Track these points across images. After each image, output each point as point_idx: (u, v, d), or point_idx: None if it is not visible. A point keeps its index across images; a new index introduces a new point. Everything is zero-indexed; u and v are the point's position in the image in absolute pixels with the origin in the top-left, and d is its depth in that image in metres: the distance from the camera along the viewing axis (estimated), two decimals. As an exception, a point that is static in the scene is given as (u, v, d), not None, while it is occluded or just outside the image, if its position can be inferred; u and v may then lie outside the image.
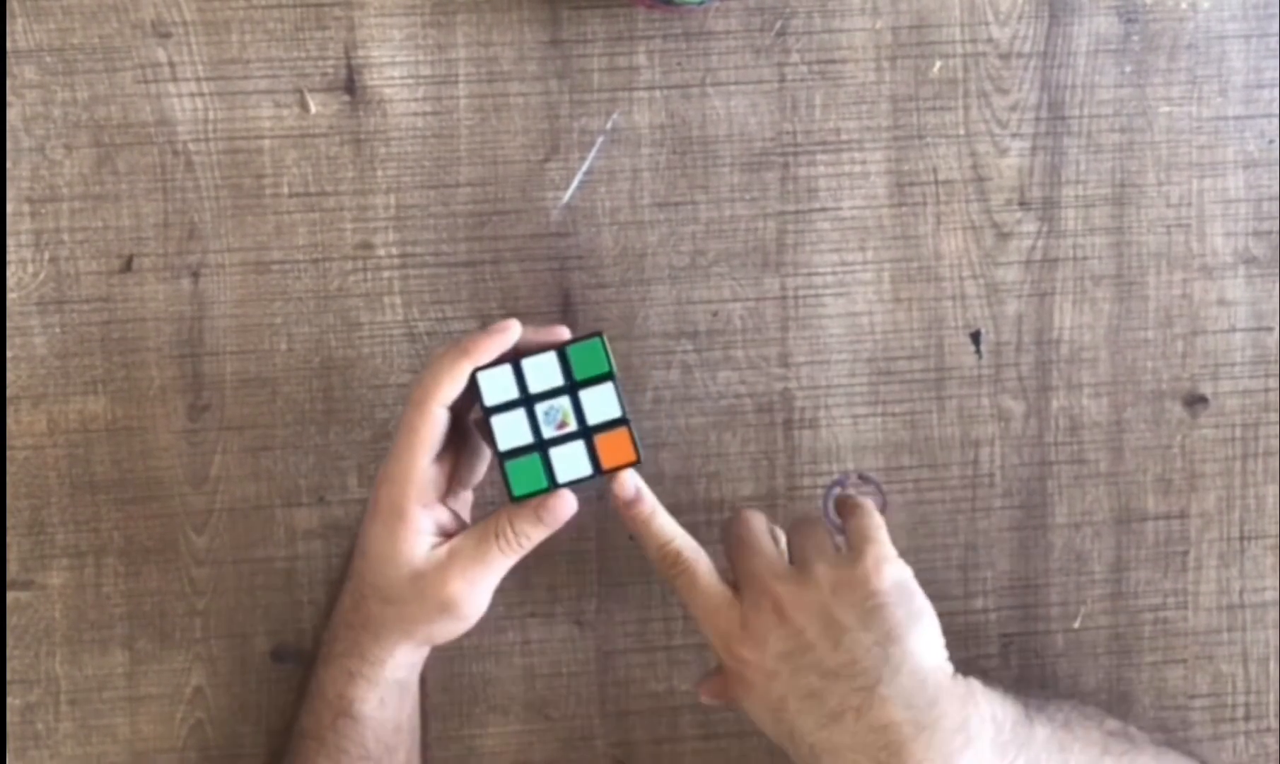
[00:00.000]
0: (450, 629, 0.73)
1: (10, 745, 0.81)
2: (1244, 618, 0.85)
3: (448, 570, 0.71)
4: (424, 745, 0.81)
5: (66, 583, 0.81)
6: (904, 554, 0.83)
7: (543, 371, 0.71)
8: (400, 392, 0.81)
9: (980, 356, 0.83)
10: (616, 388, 0.71)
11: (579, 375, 0.71)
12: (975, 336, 0.83)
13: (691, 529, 0.82)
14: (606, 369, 0.71)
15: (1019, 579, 0.84)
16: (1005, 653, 0.85)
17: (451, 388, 0.70)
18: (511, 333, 0.71)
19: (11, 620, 0.81)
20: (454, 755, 0.83)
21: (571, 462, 0.71)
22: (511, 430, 0.71)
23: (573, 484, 0.71)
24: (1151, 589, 0.85)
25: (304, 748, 0.76)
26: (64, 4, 0.79)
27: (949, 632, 0.84)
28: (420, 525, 0.71)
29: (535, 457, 0.71)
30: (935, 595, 0.81)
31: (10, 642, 0.81)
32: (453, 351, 0.70)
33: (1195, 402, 0.84)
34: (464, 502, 0.78)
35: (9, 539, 0.80)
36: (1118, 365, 0.84)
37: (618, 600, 0.83)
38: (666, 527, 0.72)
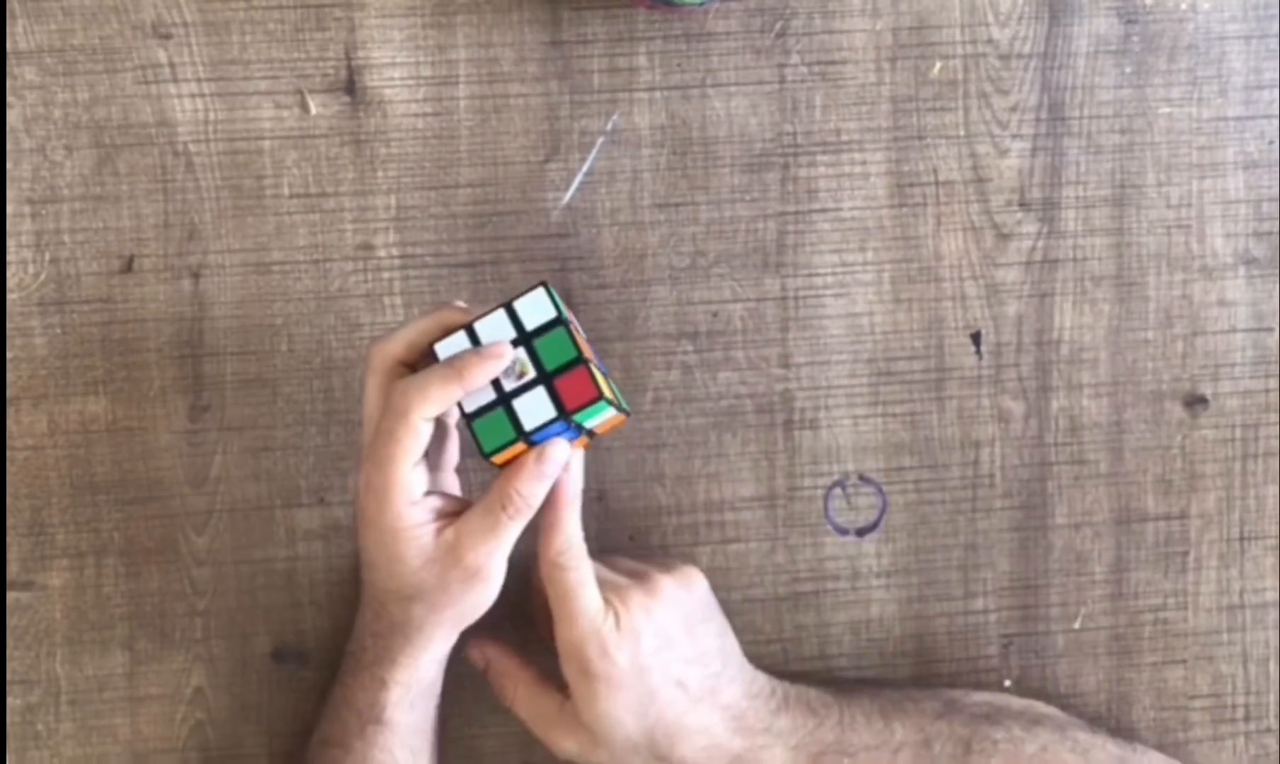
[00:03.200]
0: (480, 599, 0.72)
1: (10, 746, 0.81)
2: (1244, 618, 0.85)
3: (461, 545, 0.70)
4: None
5: (67, 583, 0.81)
6: (904, 554, 0.84)
7: (495, 329, 0.71)
8: (400, 392, 0.81)
9: (980, 357, 0.83)
10: (568, 330, 0.71)
11: (530, 326, 0.71)
12: (975, 337, 0.83)
13: (691, 529, 0.83)
14: (555, 315, 0.71)
15: (1019, 580, 0.84)
16: (1005, 654, 0.85)
17: (440, 406, 0.70)
18: (506, 359, 0.70)
19: (11, 621, 0.81)
20: (456, 755, 0.83)
21: (535, 408, 0.71)
22: (475, 393, 0.71)
23: (541, 430, 0.71)
24: (1151, 590, 0.85)
25: (330, 757, 0.75)
26: (64, 5, 0.79)
27: (949, 632, 0.84)
28: (416, 520, 0.70)
29: (500, 411, 0.71)
30: (936, 596, 0.82)
31: (10, 642, 0.81)
32: (446, 372, 0.69)
33: (1195, 402, 0.84)
34: (450, 484, 0.78)
35: (9, 539, 0.80)
36: (1118, 366, 0.84)
37: (618, 601, 0.83)
38: (577, 525, 0.74)
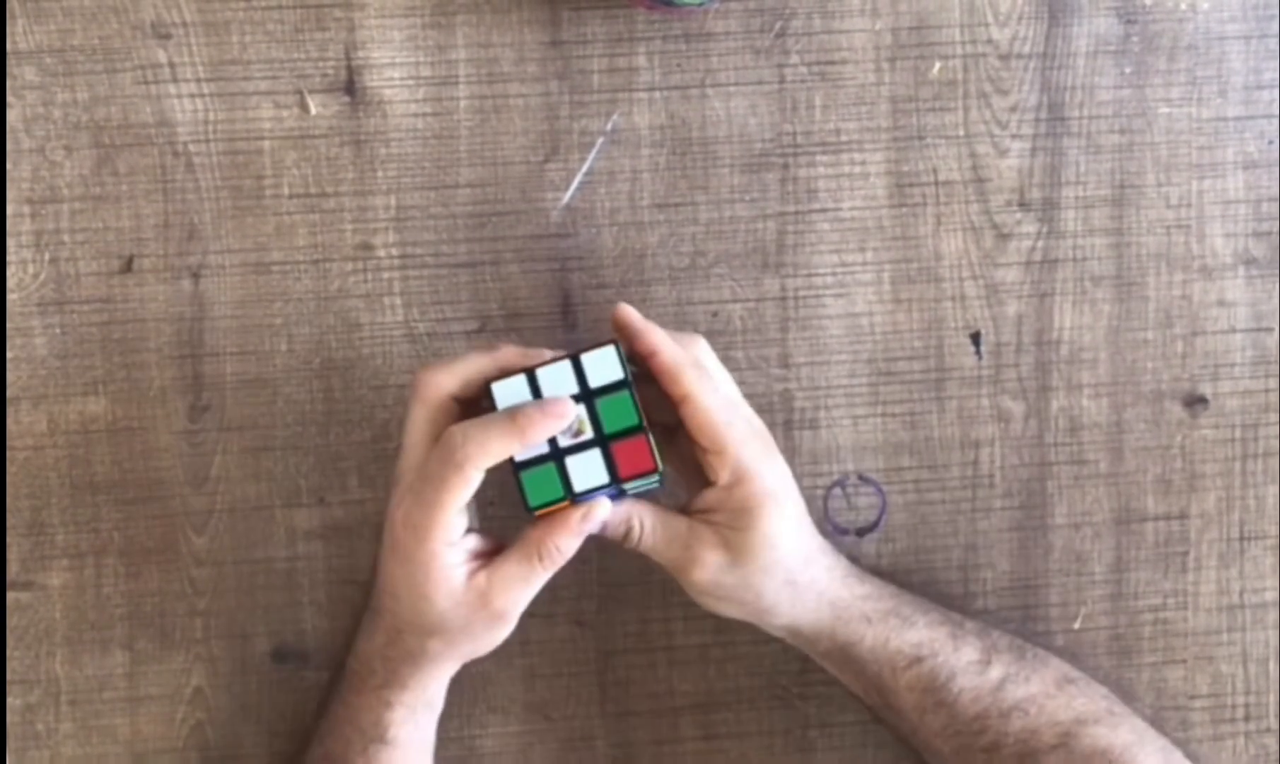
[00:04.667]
0: (498, 637, 0.73)
1: (10, 746, 0.81)
2: (1244, 618, 0.85)
3: (492, 591, 0.70)
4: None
5: (66, 583, 0.81)
6: (904, 554, 0.84)
7: (558, 380, 0.70)
8: (400, 393, 0.81)
9: (980, 357, 0.83)
10: (632, 395, 0.70)
11: (594, 383, 0.70)
12: (975, 337, 0.83)
13: (691, 530, 0.83)
14: (622, 376, 0.70)
15: (1019, 580, 0.84)
16: (1005, 653, 0.85)
17: (496, 459, 0.68)
18: (569, 417, 0.69)
19: (11, 621, 0.81)
20: (454, 756, 0.83)
21: (588, 470, 0.70)
22: None
23: (590, 493, 0.70)
24: (1151, 590, 0.85)
25: None
26: (64, 5, 0.79)
27: (949, 632, 0.84)
28: (451, 562, 0.70)
29: (551, 466, 0.69)
30: (936, 596, 0.81)
31: (10, 642, 0.81)
32: (507, 426, 0.68)
33: (1195, 402, 0.84)
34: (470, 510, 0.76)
35: (9, 539, 0.80)
36: (1117, 366, 0.84)
37: (618, 600, 0.83)
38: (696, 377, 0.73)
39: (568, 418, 0.69)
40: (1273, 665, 0.86)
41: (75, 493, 0.81)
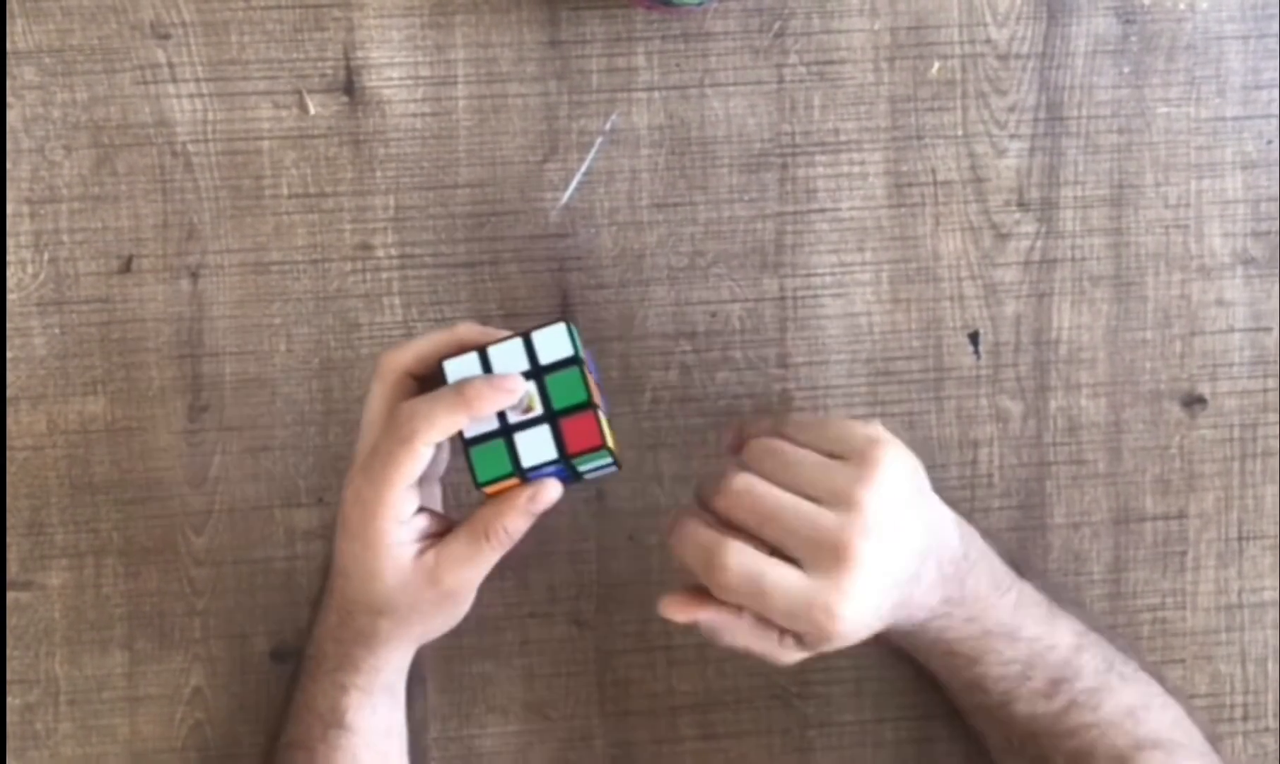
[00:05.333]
0: (449, 619, 0.73)
1: (10, 745, 0.81)
2: (1242, 618, 0.85)
3: (439, 570, 0.70)
4: (423, 747, 0.81)
5: (66, 583, 0.81)
6: (903, 554, 0.84)
7: (509, 358, 0.70)
8: (399, 392, 0.81)
9: (978, 357, 0.83)
10: (582, 372, 0.70)
11: (544, 360, 0.71)
12: (974, 337, 0.83)
13: (690, 529, 0.82)
14: (572, 353, 0.70)
15: (1017, 579, 0.84)
16: (1004, 653, 0.85)
17: (443, 434, 0.69)
18: (517, 393, 0.69)
19: (11, 621, 0.81)
20: (454, 756, 0.83)
21: (536, 446, 0.70)
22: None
23: (538, 469, 0.70)
24: (1150, 589, 0.85)
25: (293, 759, 0.75)
26: (63, 5, 0.79)
27: (948, 632, 0.84)
28: (399, 539, 0.70)
29: (500, 442, 0.70)
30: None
31: (10, 642, 0.81)
32: (454, 400, 0.68)
33: (1194, 402, 0.84)
34: (433, 496, 0.77)
35: (9, 539, 0.80)
36: (1116, 366, 0.84)
37: (617, 600, 0.83)
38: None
39: (516, 393, 0.69)
40: (1271, 665, 0.86)
41: (74, 493, 0.81)
